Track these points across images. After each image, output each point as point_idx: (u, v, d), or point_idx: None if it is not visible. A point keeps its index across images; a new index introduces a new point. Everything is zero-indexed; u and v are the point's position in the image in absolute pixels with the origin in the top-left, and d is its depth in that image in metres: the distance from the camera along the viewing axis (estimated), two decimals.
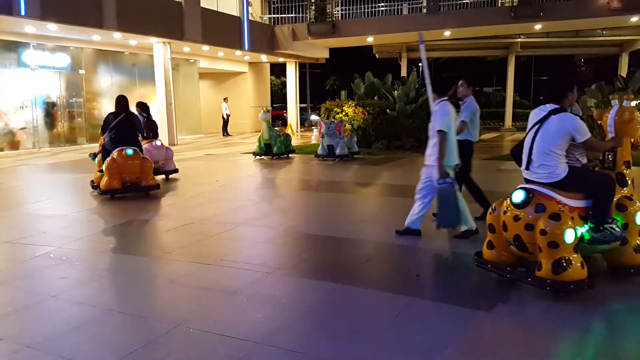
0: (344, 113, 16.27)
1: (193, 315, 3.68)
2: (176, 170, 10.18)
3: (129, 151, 8.08)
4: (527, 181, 4.11)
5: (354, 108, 16.31)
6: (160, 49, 17.52)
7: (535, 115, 4.15)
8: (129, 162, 8.04)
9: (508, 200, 4.04)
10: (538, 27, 20.51)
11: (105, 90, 18.58)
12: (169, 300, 4.03)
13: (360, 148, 14.67)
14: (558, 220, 3.69)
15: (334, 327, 3.46)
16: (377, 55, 30.72)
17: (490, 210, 4.24)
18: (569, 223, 3.71)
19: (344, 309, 3.78)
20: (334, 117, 16.01)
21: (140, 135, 8.67)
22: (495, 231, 4.13)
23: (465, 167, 6.12)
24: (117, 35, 15.92)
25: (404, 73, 27.24)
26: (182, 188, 9.48)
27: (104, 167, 8.07)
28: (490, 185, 9.36)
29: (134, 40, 17.25)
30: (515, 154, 4.36)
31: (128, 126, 8.20)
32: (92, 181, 8.84)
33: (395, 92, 17.08)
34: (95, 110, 18.46)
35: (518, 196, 3.92)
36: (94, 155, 9.13)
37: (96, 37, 16.10)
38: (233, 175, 11.22)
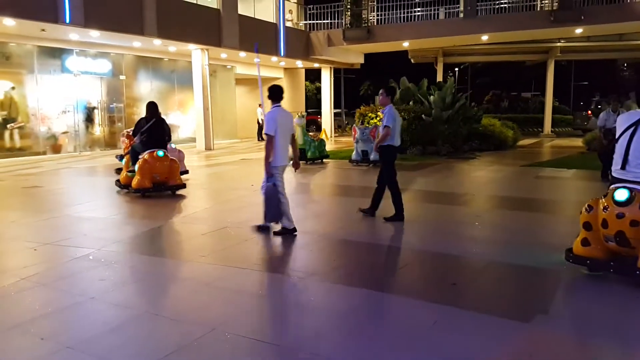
0: (378, 119, 16.17)
1: (228, 319, 3.68)
2: (183, 186, 9.09)
3: (160, 153, 8.61)
4: (621, 180, 4.28)
5: None
6: (198, 55, 17.83)
7: (626, 119, 4.42)
8: (159, 163, 8.58)
9: (604, 198, 4.25)
10: (579, 31, 19.93)
11: (145, 96, 19.01)
12: (204, 303, 4.04)
13: None
14: None
15: (368, 335, 3.41)
16: (412, 60, 30.50)
17: (585, 209, 4.42)
18: None
19: (378, 316, 3.73)
20: (368, 122, 15.94)
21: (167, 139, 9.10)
22: (592, 229, 4.31)
23: (390, 170, 6.68)
24: (157, 42, 16.29)
25: (439, 78, 26.97)
26: (217, 192, 9.58)
27: (136, 168, 8.58)
28: (528, 192, 9.17)
29: (173, 47, 17.62)
30: (603, 156, 4.55)
31: (158, 130, 8.69)
32: (117, 181, 9.35)
33: (431, 97, 16.88)
34: (135, 115, 18.86)
35: (622, 194, 4.13)
36: (121, 157, 9.71)
37: (137, 43, 16.51)
38: None
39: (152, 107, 8.83)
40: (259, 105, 24.01)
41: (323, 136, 22.52)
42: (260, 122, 23.74)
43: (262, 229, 6.08)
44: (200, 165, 13.86)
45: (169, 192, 8.89)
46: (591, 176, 10.68)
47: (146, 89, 19.23)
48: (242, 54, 19.11)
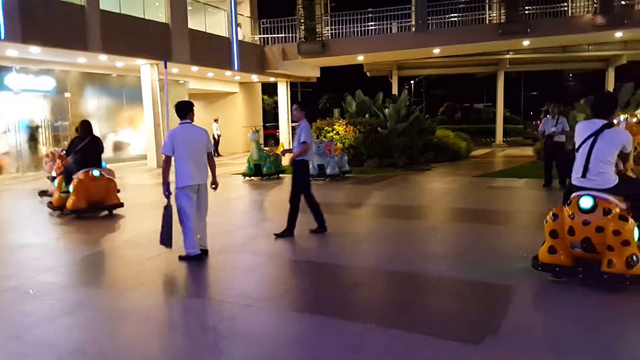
0: (335, 132, 16.12)
1: (161, 356, 3.41)
2: (121, 205, 8.89)
3: (96, 172, 8.43)
4: (581, 188, 4.44)
5: (344, 127, 16.17)
6: (147, 71, 17.37)
7: (585, 129, 4.53)
8: (95, 182, 8.41)
9: (568, 207, 4.42)
10: (526, 43, 20.59)
11: (92, 113, 18.35)
12: (139, 338, 3.74)
13: (352, 167, 14.48)
14: (626, 221, 4.19)
15: None
16: (368, 74, 30.79)
17: (550, 218, 4.54)
18: (633, 223, 4.19)
19: (326, 345, 3.52)
20: (324, 136, 15.85)
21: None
22: (559, 236, 4.46)
23: (304, 185, 6.68)
24: (103, 58, 15.76)
25: (395, 91, 27.26)
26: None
27: (70, 188, 8.34)
28: (481, 204, 9.21)
29: (120, 62, 17.10)
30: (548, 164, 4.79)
31: (93, 149, 8.50)
32: (50, 203, 9.02)
33: (386, 110, 16.98)
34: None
35: (587, 202, 4.30)
36: (53, 178, 9.42)
37: (82, 59, 15.92)
38: (220, 198, 10.93)
39: (85, 125, 8.61)
40: (215, 120, 23.66)
41: (280, 151, 22.37)
42: (216, 137, 23.39)
43: (187, 259, 5.62)
44: (149, 184, 13.38)
45: (106, 212, 8.71)
46: (541, 185, 10.87)
47: (93, 106, 18.56)
48: (195, 68, 18.76)
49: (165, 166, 5.54)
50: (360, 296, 4.58)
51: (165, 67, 9.86)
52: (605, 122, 4.47)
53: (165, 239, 5.65)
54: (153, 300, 4.50)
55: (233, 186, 12.64)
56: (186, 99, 21.93)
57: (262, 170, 13.51)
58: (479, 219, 7.82)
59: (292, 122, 7.17)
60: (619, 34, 18.86)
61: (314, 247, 6.39)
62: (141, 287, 4.84)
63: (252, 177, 13.65)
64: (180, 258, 5.64)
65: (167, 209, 5.62)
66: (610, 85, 26.03)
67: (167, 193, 5.59)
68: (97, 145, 8.61)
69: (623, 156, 4.55)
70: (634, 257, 4.18)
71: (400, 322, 3.87)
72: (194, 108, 5.84)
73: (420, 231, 7.10)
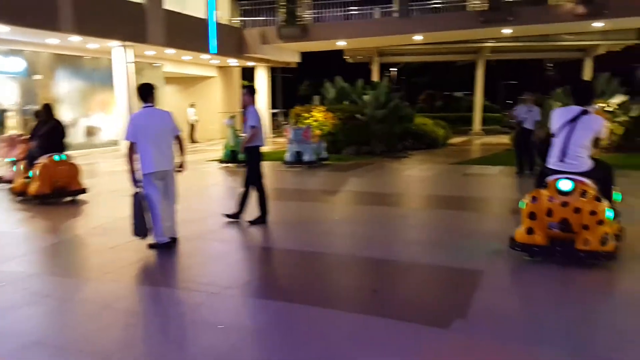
0: (313, 118, 15.98)
1: (125, 346, 3.31)
2: (84, 190, 8.68)
3: (59, 157, 8.27)
4: (558, 172, 4.66)
5: (323, 113, 16.04)
6: (121, 53, 16.89)
7: (562, 115, 4.77)
8: (59, 167, 8.25)
9: (546, 190, 4.61)
10: (506, 31, 20.60)
11: (63, 97, 17.86)
12: (100, 328, 3.63)
13: (330, 154, 14.37)
14: (601, 202, 4.47)
15: (281, 354, 3.14)
16: (348, 60, 30.60)
17: (529, 200, 4.70)
18: (607, 203, 4.49)
19: (293, 332, 3.46)
20: (302, 123, 15.71)
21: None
22: (537, 218, 4.65)
23: (257, 172, 6.60)
24: (75, 39, 15.27)
25: (375, 78, 27.16)
26: None
27: (32, 173, 8.18)
28: (456, 191, 9.23)
29: (93, 44, 16.61)
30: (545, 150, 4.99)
31: (57, 134, 8.32)
32: (11, 189, 8.85)
33: (366, 97, 16.88)
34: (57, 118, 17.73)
35: (567, 185, 4.54)
36: (14, 164, 9.23)
37: (52, 40, 15.42)
38: (195, 185, 10.79)
39: (48, 109, 8.40)
40: (191, 105, 23.26)
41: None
42: (193, 123, 23.02)
43: (156, 246, 5.50)
44: (121, 170, 13.08)
45: (70, 198, 8.54)
46: (514, 172, 10.94)
47: (64, 89, 18.02)
48: (170, 50, 18.35)
49: (130, 153, 5.31)
50: (331, 283, 4.53)
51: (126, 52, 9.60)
52: (582, 109, 4.69)
53: (139, 229, 5.38)
54: (119, 290, 4.37)
55: (209, 173, 12.47)
56: (162, 82, 21.68)
57: (238, 157, 13.34)
58: (453, 205, 7.83)
59: (242, 107, 6.91)
60: (598, 24, 19.00)
61: (286, 234, 6.31)
62: (107, 275, 4.71)
63: (229, 164, 13.48)
64: (150, 246, 5.50)
65: (136, 197, 5.37)
66: (588, 75, 26.32)
67: (135, 181, 5.36)
68: (59, 129, 8.41)
69: (594, 142, 4.72)
70: (606, 235, 4.47)
71: (370, 307, 3.85)
72: (155, 91, 5.55)
73: (395, 218, 7.08)
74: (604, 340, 3.30)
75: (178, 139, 5.61)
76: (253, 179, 6.62)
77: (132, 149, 5.29)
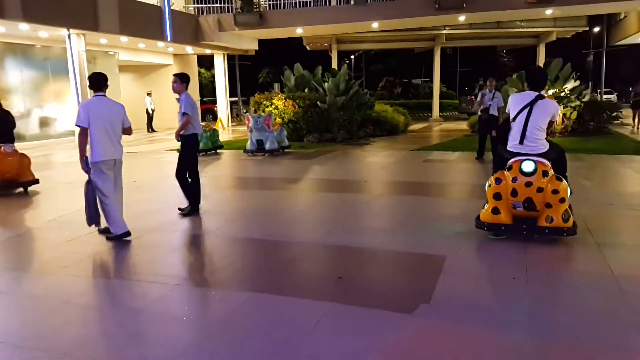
0: (273, 106, 15.87)
1: (86, 342, 3.22)
2: (36, 181, 8.58)
3: (8, 148, 8.17)
4: (518, 154, 4.89)
5: (284, 101, 15.95)
6: (73, 41, 16.29)
7: (519, 100, 4.98)
8: (8, 159, 8.13)
9: (509, 172, 4.85)
10: (461, 18, 20.97)
11: (15, 87, 17.13)
12: (58, 325, 3.51)
13: (291, 142, 14.34)
14: (561, 181, 4.74)
15: (245, 345, 3.12)
16: (307, 47, 30.47)
17: (493, 182, 4.92)
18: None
19: (257, 322, 3.45)
20: (263, 111, 15.57)
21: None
22: (502, 198, 4.89)
23: (192, 160, 6.56)
24: (24, 27, 14.63)
25: (334, 65, 27.16)
26: None
27: None
28: (417, 177, 9.39)
29: (44, 32, 15.95)
30: (503, 134, 5.19)
31: (5, 124, 8.19)
32: None
33: (326, 84, 16.87)
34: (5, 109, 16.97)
35: (529, 166, 4.77)
36: None
37: (0, 28, 14.71)
38: (153, 175, 10.57)
39: None
40: (148, 94, 22.72)
41: (219, 126, 21.83)
42: (150, 111, 22.50)
43: (102, 232, 5.54)
44: (77, 162, 12.67)
45: (21, 189, 8.42)
46: (473, 158, 11.22)
47: (16, 79, 17.30)
48: (124, 38, 17.82)
49: (82, 139, 5.20)
50: (295, 271, 4.53)
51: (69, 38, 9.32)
52: (537, 94, 4.95)
53: (93, 217, 5.36)
54: (78, 284, 4.24)
55: (167, 163, 12.20)
56: (116, 71, 21.04)
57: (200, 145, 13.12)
58: (414, 191, 7.96)
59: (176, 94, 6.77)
60: (549, 11, 19.56)
61: (249, 224, 6.26)
62: (65, 269, 4.56)
63: None
64: (108, 238, 5.37)
65: (89, 185, 5.30)
66: (541, 61, 27.11)
67: (87, 168, 5.27)
68: (8, 119, 8.25)
69: (549, 125, 5.01)
70: (567, 213, 4.79)
71: (335, 294, 3.86)
72: (106, 80, 5.44)
73: (357, 205, 7.13)
74: (568, 320, 3.35)
75: (128, 131, 5.56)
76: (188, 168, 6.52)
77: (85, 135, 5.20)
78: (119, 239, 5.34)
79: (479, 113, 11.34)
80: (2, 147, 8.11)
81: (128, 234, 5.39)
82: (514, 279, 4.06)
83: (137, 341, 3.23)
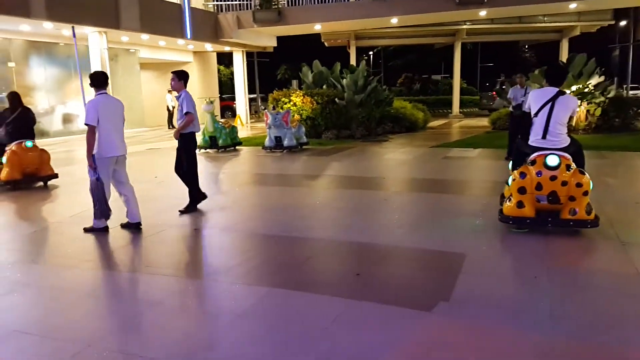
0: (292, 103, 15.90)
1: (108, 333, 3.28)
2: (55, 176, 8.91)
3: (29, 143, 8.48)
4: (541, 149, 4.99)
5: (302, 98, 15.96)
6: (95, 39, 16.56)
7: (540, 96, 5.10)
8: (29, 153, 8.46)
9: (533, 166, 4.94)
10: (483, 13, 20.70)
11: (40, 84, 17.48)
12: (83, 316, 3.59)
13: (310, 138, 14.35)
14: (584, 175, 4.87)
15: (266, 339, 3.15)
16: (325, 44, 30.42)
17: (518, 176, 5.00)
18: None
19: (276, 317, 3.48)
20: (281, 108, 15.61)
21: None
22: (527, 192, 4.97)
23: (191, 159, 6.53)
24: (48, 26, 14.92)
25: (353, 61, 27.08)
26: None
27: (3, 160, 8.39)
28: (436, 174, 9.32)
29: (67, 31, 16.20)
30: (527, 129, 5.27)
31: (25, 120, 8.47)
32: None
33: (344, 80, 16.83)
34: (30, 105, 17.31)
35: (554, 160, 4.87)
36: None
37: (25, 27, 15.01)
38: (171, 171, 10.65)
39: (14, 97, 8.51)
40: (169, 91, 22.92)
41: (238, 122, 21.97)
42: (171, 109, 22.72)
43: (94, 230, 5.63)
44: None
45: (41, 184, 8.76)
46: (495, 155, 11.09)
47: (40, 76, 17.65)
48: (145, 36, 18.02)
49: (91, 137, 5.34)
50: (314, 267, 4.54)
51: (74, 35, 9.55)
52: (558, 89, 5.06)
53: (104, 210, 5.51)
54: (100, 277, 4.33)
55: None
56: (137, 68, 21.30)
57: (217, 143, 13.24)
58: (434, 188, 7.90)
59: (174, 92, 6.82)
60: (573, 5, 19.20)
61: (268, 220, 6.30)
62: (88, 263, 4.65)
63: (208, 150, 13.37)
64: (85, 230, 5.64)
65: (98, 182, 5.44)
66: (564, 56, 26.61)
67: (94, 165, 5.40)
68: (28, 116, 8.56)
69: (572, 120, 5.28)
70: (589, 205, 4.95)
71: (353, 291, 3.86)
72: (108, 79, 5.61)
73: (375, 202, 7.11)
74: (591, 321, 3.30)
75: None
76: (188, 167, 6.55)
77: (94, 133, 5.35)
78: (132, 228, 5.66)
79: (511, 109, 10.87)
80: (23, 143, 8.41)
81: (140, 224, 5.70)
82: (535, 278, 4.01)
83: (159, 334, 3.28)
